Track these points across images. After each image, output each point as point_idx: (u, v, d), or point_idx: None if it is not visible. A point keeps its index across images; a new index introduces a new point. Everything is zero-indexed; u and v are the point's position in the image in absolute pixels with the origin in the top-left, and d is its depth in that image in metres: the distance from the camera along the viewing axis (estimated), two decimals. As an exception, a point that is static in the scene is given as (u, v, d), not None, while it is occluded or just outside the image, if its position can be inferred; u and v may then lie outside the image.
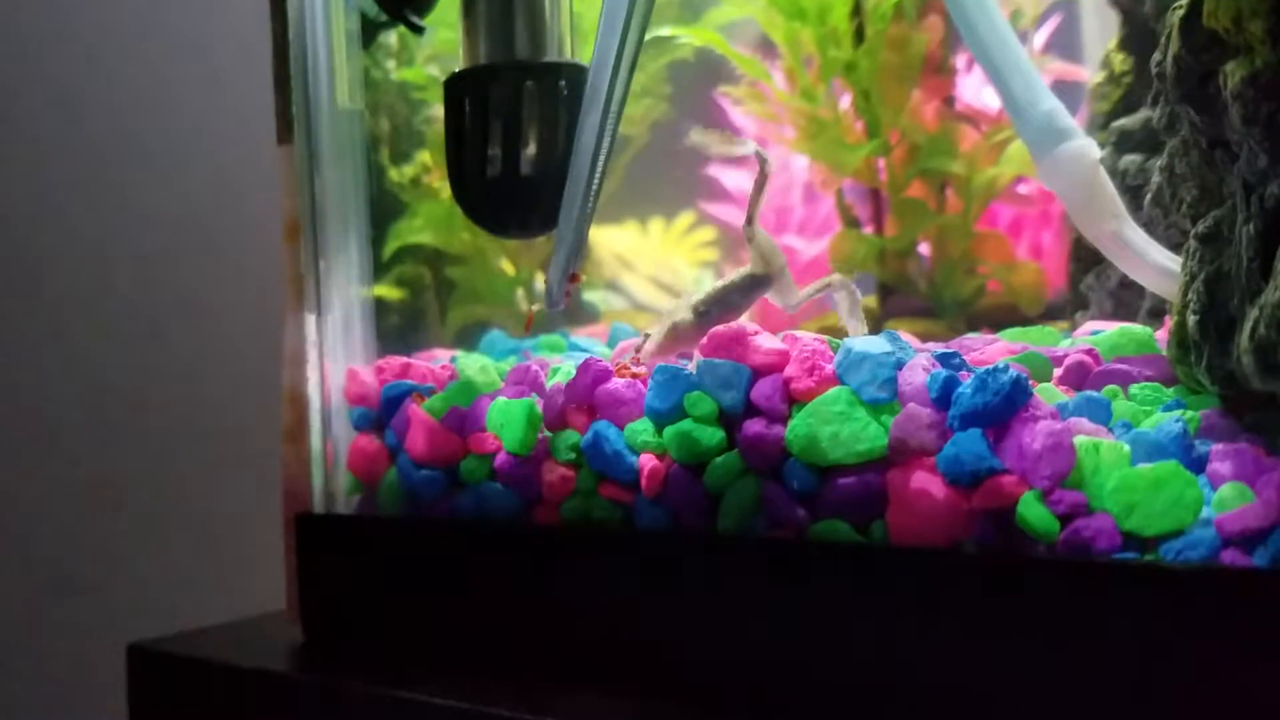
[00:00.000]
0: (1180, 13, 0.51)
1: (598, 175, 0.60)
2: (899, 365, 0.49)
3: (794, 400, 0.51)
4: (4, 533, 1.03)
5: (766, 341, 0.53)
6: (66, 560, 1.06)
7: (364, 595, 0.66)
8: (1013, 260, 0.91)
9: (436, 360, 0.81)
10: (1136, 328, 0.62)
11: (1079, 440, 0.45)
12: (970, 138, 0.92)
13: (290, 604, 0.70)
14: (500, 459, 0.61)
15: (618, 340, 0.82)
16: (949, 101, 0.94)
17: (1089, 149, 0.60)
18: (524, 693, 0.55)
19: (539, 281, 1.11)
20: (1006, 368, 0.47)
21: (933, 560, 0.46)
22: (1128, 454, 0.44)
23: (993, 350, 0.61)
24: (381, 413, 0.67)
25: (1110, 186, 0.60)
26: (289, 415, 0.70)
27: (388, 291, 1.05)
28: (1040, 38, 0.96)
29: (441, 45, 1.01)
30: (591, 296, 1.17)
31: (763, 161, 0.59)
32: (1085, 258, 0.84)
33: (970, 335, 0.72)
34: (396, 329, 1.03)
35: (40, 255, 1.07)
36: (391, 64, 1.10)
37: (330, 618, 0.67)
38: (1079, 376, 0.58)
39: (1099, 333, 0.66)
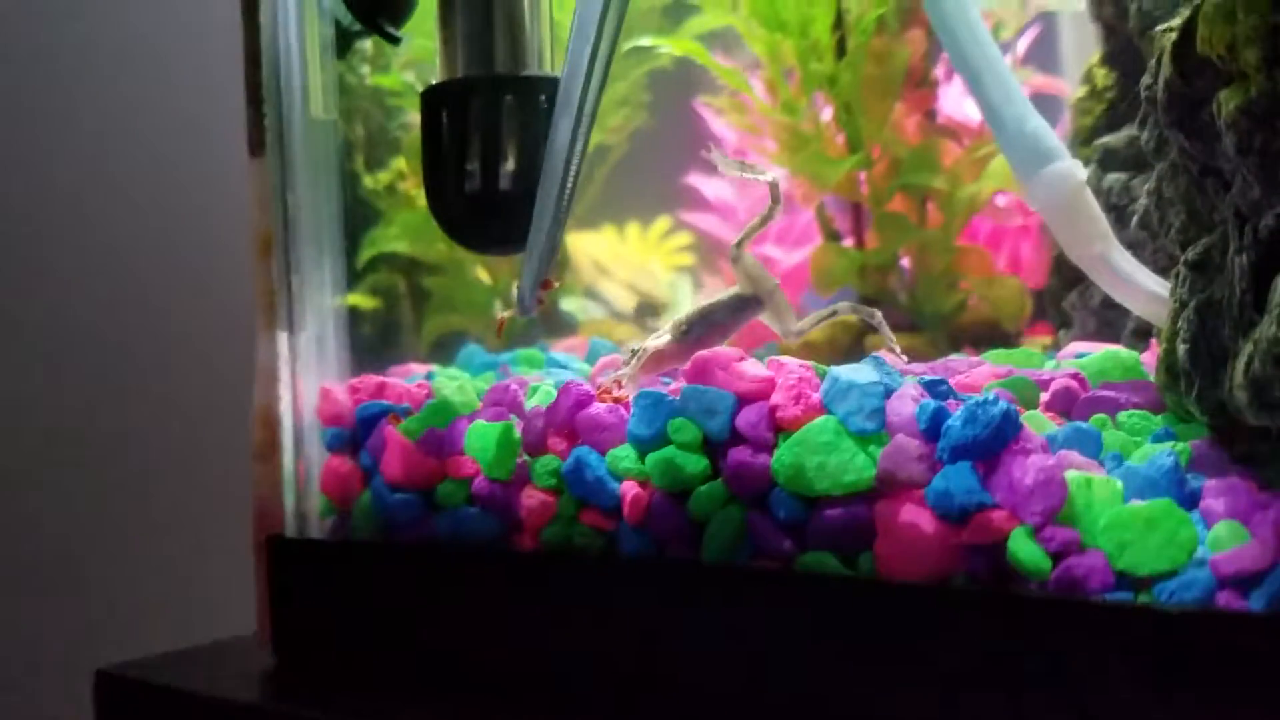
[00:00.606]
0: (1173, 37, 0.50)
1: (570, 182, 0.59)
2: (887, 394, 0.48)
3: (780, 429, 0.50)
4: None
5: (751, 368, 0.52)
6: (32, 583, 1.04)
7: (338, 620, 0.64)
8: (994, 275, 0.91)
9: (412, 376, 0.80)
10: (1123, 352, 0.61)
11: (1070, 475, 0.44)
12: (952, 151, 0.92)
13: (262, 628, 0.68)
14: (478, 483, 0.59)
15: (597, 356, 0.80)
16: (930, 115, 0.94)
17: (1075, 170, 0.59)
18: (502, 725, 0.54)
19: (515, 290, 1.09)
20: (996, 399, 0.46)
21: (924, 596, 0.45)
22: (1120, 490, 0.44)
23: (978, 374, 0.60)
24: (356, 433, 0.65)
25: (1096, 208, 0.60)
26: (260, 434, 0.68)
27: (361, 300, 1.03)
28: (1019, 48, 0.96)
29: (418, 52, 1.00)
30: (569, 305, 1.16)
31: (775, 194, 0.57)
32: (1067, 274, 0.84)
33: (955, 356, 0.71)
34: (370, 339, 1.02)
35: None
36: (366, 69, 1.09)
37: (303, 643, 0.66)
38: (1066, 402, 0.57)
39: (1085, 355, 0.66)
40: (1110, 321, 0.76)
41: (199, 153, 1.19)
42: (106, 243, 1.12)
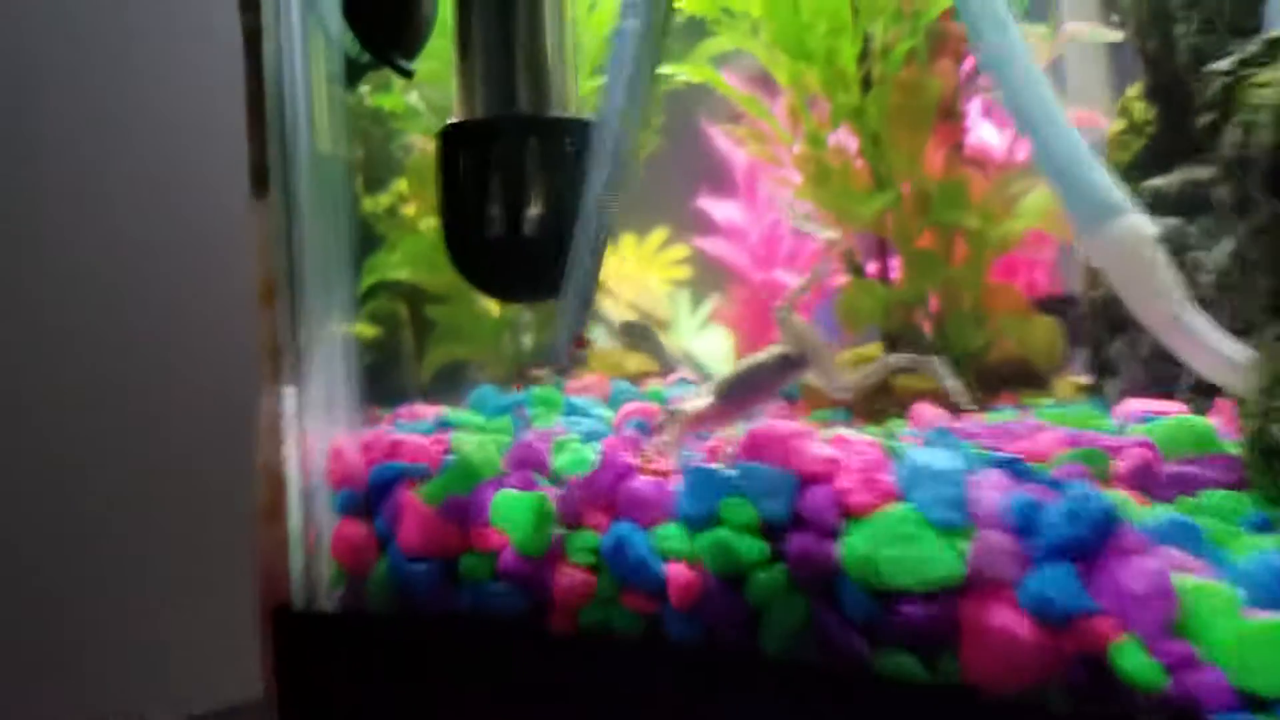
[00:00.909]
0: (1272, 95, 0.46)
1: (606, 234, 0.55)
2: (967, 482, 0.44)
3: (848, 514, 0.46)
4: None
5: (814, 446, 0.47)
6: (31, 645, 0.98)
7: (352, 699, 0.59)
8: (1026, 313, 0.87)
9: (423, 424, 0.75)
10: (1195, 420, 0.58)
11: (1180, 582, 0.40)
12: (979, 184, 0.88)
13: (269, 697, 0.63)
14: (506, 557, 0.55)
15: (619, 401, 0.76)
16: (958, 147, 0.90)
17: (1144, 225, 0.55)
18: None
19: (527, 336, 1.05)
20: (1097, 494, 0.42)
21: (1023, 713, 0.41)
22: (1236, 600, 0.40)
23: (1044, 441, 0.56)
24: (370, 497, 0.60)
25: (1168, 267, 0.56)
26: (265, 494, 0.63)
27: (360, 328, 0.98)
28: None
29: (423, 75, 0.95)
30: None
31: (830, 252, 0.53)
32: (1111, 319, 0.80)
33: (1006, 416, 0.67)
34: (369, 368, 0.97)
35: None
36: (366, 89, 1.04)
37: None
38: (1144, 479, 0.53)
39: (1150, 419, 0.62)
40: (1160, 375, 0.73)
41: (198, 192, 1.13)
42: (93, 293, 1.06)
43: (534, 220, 0.58)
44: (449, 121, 0.61)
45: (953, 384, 0.54)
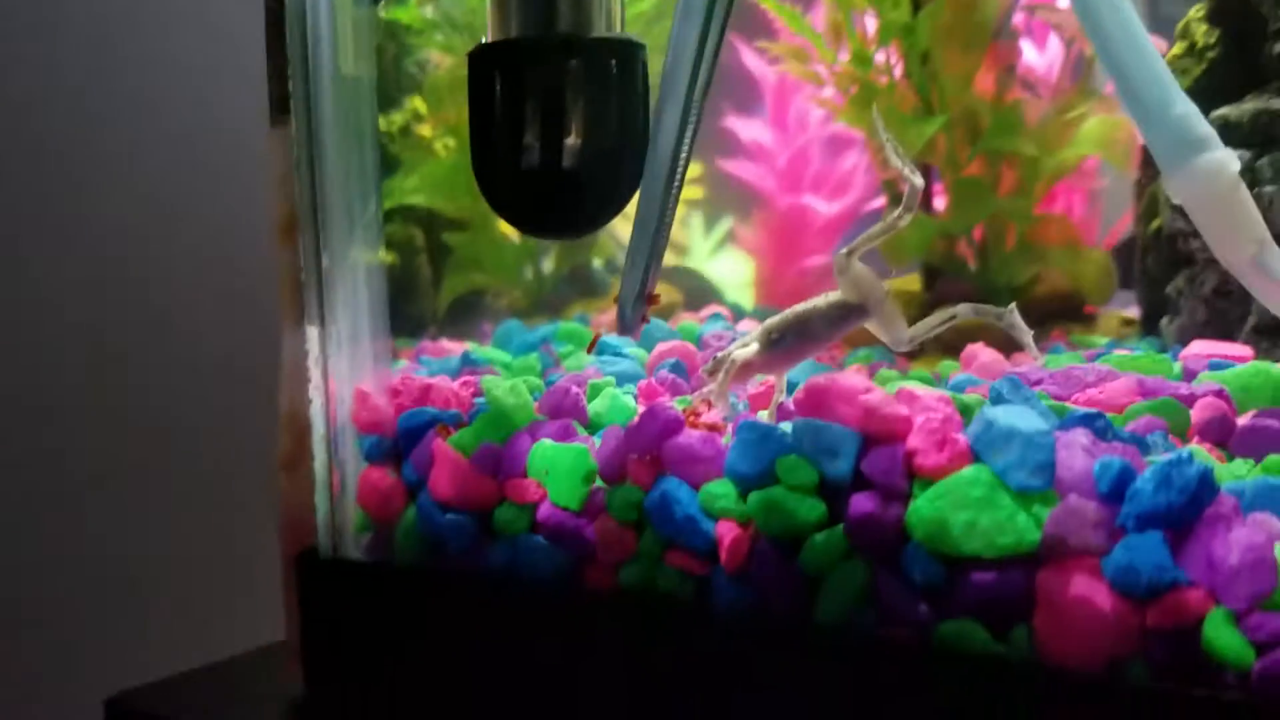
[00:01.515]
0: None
1: (678, 182, 0.51)
2: (1054, 445, 0.41)
3: (916, 475, 0.43)
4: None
5: (880, 401, 0.44)
6: (51, 597, 0.97)
7: (377, 650, 0.58)
8: (1078, 246, 0.83)
9: (449, 361, 0.72)
10: (1272, 367, 0.54)
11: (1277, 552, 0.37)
12: (1034, 109, 0.84)
13: (291, 650, 0.62)
14: (544, 510, 0.52)
15: (653, 341, 0.73)
16: (1010, 69, 0.85)
17: (1229, 162, 0.51)
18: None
19: (548, 260, 1.01)
20: (1191, 458, 0.39)
21: (1099, 687, 0.38)
22: (1341, 573, 0.37)
23: (1114, 390, 0.53)
24: (399, 444, 0.58)
25: (1252, 205, 0.52)
26: (287, 441, 0.60)
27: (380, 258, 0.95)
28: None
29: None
30: (600, 263, 1.08)
31: (911, 202, 0.49)
32: (1166, 254, 0.76)
33: (1066, 359, 0.64)
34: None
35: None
36: (380, 1, 0.99)
37: (336, 673, 0.59)
38: (1221, 432, 0.50)
39: (1218, 364, 0.59)
40: (1223, 312, 0.69)
41: (215, 124, 1.08)
42: (108, 231, 1.02)
43: (573, 150, 0.55)
44: (481, 41, 0.56)
45: (1028, 340, 0.50)
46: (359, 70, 0.61)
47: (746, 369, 0.53)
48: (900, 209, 0.49)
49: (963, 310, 0.51)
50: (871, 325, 0.52)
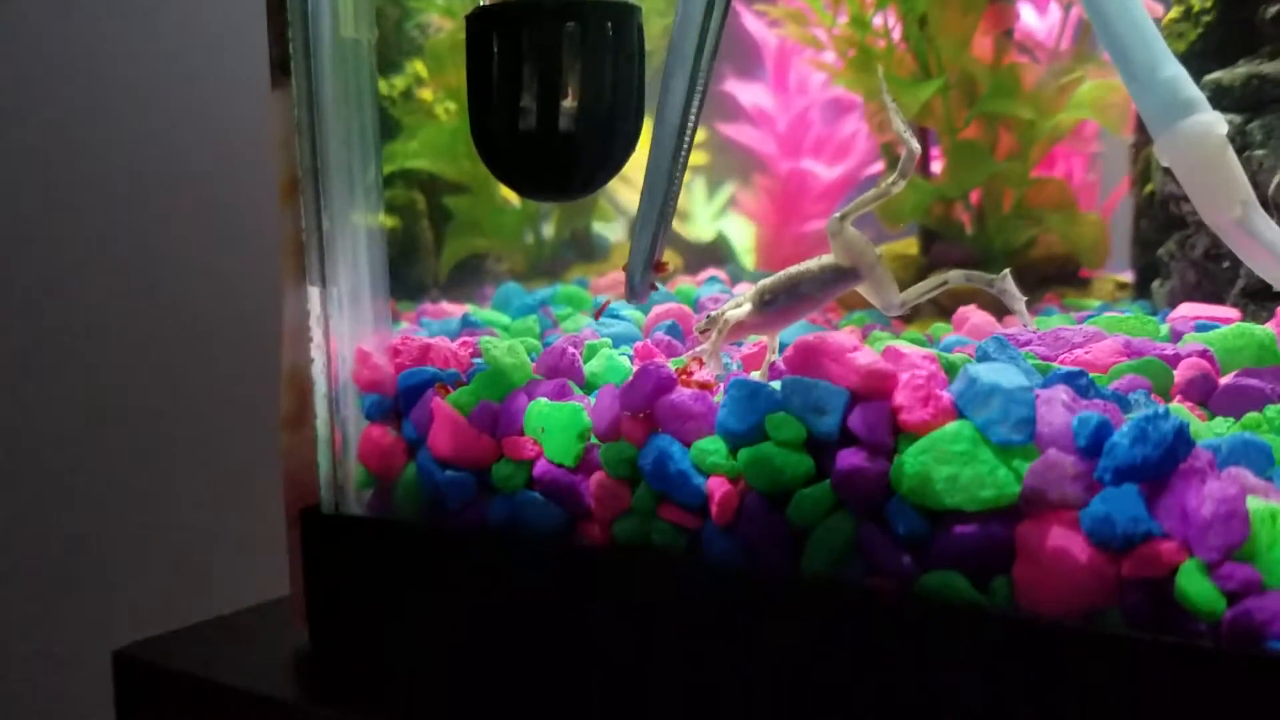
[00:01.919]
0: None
1: (685, 148, 0.52)
2: (1035, 401, 0.42)
3: (901, 431, 0.44)
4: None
5: (867, 359, 0.45)
6: (59, 554, 0.98)
7: (378, 604, 0.59)
8: (1074, 210, 0.84)
9: (448, 322, 0.73)
10: (1255, 328, 0.55)
11: (1254, 507, 0.38)
12: (1031, 73, 0.84)
13: (296, 604, 0.63)
14: (540, 467, 0.54)
15: (651, 303, 0.74)
16: (1007, 34, 0.85)
17: (1215, 124, 0.52)
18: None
19: (547, 225, 1.02)
20: (1167, 413, 0.40)
21: (1075, 635, 0.39)
22: (1311, 525, 0.38)
23: (1100, 351, 0.54)
24: (399, 402, 0.59)
25: (1238, 167, 0.53)
26: (289, 399, 0.62)
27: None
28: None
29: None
30: (600, 228, 1.08)
31: (906, 168, 0.49)
32: (1159, 218, 0.77)
33: (1056, 320, 0.65)
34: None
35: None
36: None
37: (339, 625, 0.61)
38: (1203, 391, 0.51)
39: (1205, 326, 0.60)
40: (1213, 275, 0.70)
41: (221, 85, 1.08)
42: (113, 191, 1.03)
43: (569, 113, 0.55)
44: (479, 4, 0.57)
45: (1020, 307, 0.51)
46: (359, 33, 0.61)
47: (739, 329, 0.54)
48: (895, 174, 0.49)
49: (954, 276, 0.52)
50: (864, 289, 0.53)
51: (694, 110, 0.52)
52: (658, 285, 0.55)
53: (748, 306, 0.54)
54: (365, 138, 0.62)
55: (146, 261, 1.04)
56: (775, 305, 0.53)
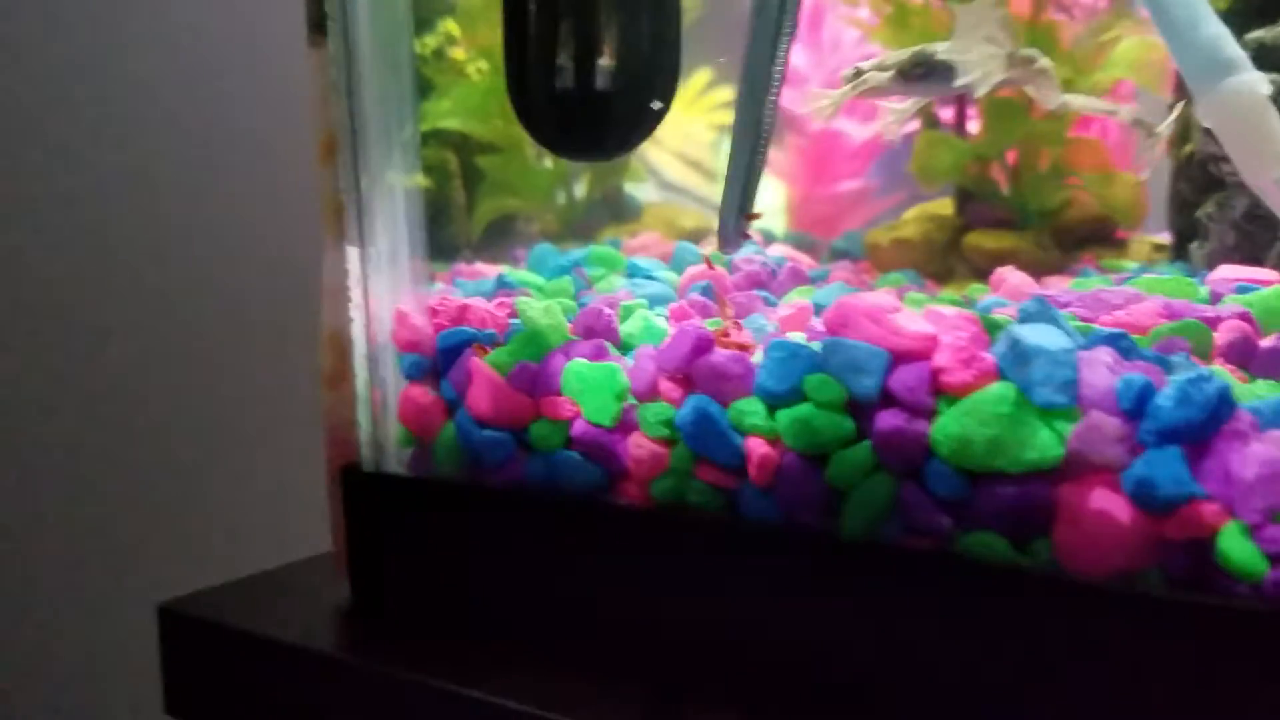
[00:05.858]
0: None
1: (774, 93, 0.51)
2: (1078, 363, 0.42)
3: (942, 393, 0.44)
4: (41, 486, 0.96)
5: (908, 321, 0.45)
6: (104, 511, 1.00)
7: (418, 560, 0.60)
8: (1110, 170, 0.83)
9: (484, 283, 0.73)
10: (1298, 288, 0.55)
11: (1295, 468, 0.38)
12: (1068, 30, 0.83)
13: (339, 559, 0.64)
14: (578, 427, 0.54)
15: (683, 264, 0.74)
16: (1045, -13, 0.84)
17: (1258, 85, 0.51)
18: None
19: (580, 185, 1.02)
20: (1210, 375, 0.40)
21: (1116, 596, 0.40)
22: (1356, 488, 0.38)
23: (1140, 311, 0.54)
24: (437, 362, 0.59)
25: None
26: (329, 359, 0.62)
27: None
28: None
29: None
30: (631, 188, 1.08)
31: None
32: (1198, 179, 0.76)
33: (1094, 282, 0.65)
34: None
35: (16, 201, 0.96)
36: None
37: (380, 581, 0.62)
38: (1244, 354, 0.51)
39: (1245, 288, 0.59)
40: (1253, 237, 0.69)
41: (258, 44, 1.08)
42: (155, 152, 1.03)
43: (605, 71, 0.55)
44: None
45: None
46: (396, -10, 0.61)
47: (874, 92, 0.54)
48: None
49: (1124, 111, 0.54)
50: (1031, 89, 0.52)
51: (780, 55, 0.51)
52: (749, 235, 0.54)
53: (889, 72, 0.54)
54: (402, 98, 0.62)
55: (189, 221, 1.05)
56: (914, 78, 0.53)
